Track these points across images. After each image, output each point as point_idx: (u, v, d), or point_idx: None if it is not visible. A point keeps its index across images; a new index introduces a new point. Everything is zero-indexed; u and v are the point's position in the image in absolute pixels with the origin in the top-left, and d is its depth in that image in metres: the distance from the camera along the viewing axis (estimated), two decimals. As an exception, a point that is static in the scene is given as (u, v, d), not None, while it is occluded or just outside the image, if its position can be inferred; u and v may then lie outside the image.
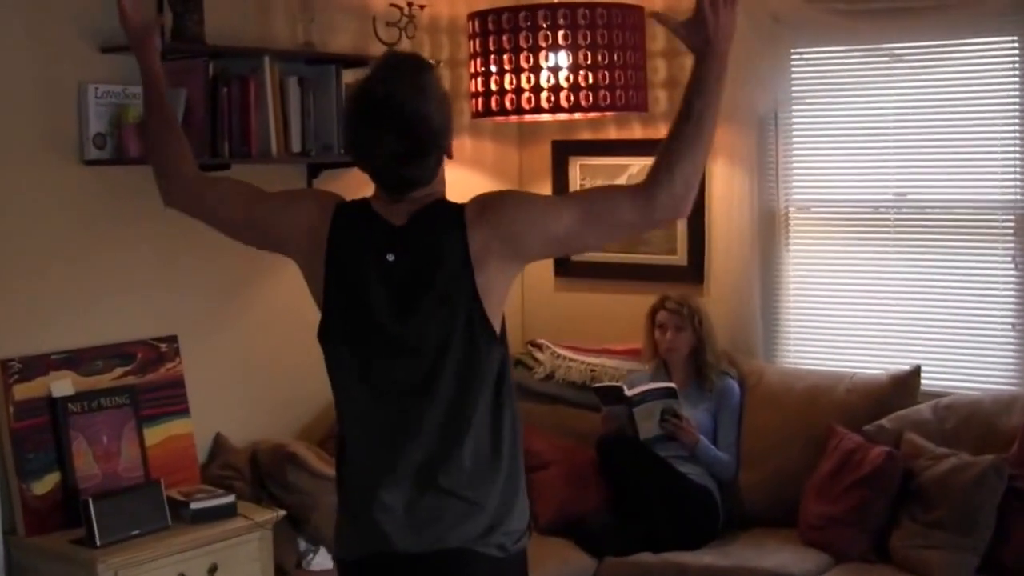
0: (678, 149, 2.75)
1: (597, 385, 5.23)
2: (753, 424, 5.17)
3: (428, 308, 2.79)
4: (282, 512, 4.50)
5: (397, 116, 2.74)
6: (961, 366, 5.11)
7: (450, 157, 2.89)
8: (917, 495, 4.57)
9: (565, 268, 6.00)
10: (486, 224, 2.78)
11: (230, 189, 3.11)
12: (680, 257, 5.69)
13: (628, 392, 4.99)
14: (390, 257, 2.81)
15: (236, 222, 3.03)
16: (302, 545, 4.62)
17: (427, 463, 2.80)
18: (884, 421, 4.84)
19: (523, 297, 6.10)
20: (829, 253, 5.39)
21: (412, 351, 2.80)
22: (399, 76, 2.79)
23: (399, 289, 2.80)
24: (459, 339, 2.77)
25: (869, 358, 5.27)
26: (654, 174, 2.76)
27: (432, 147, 2.79)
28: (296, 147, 4.83)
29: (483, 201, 2.84)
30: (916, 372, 4.99)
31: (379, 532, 2.82)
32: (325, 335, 2.91)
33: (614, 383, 5.17)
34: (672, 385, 5.05)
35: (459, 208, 2.83)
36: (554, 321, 5.98)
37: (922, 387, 4.96)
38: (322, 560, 4.58)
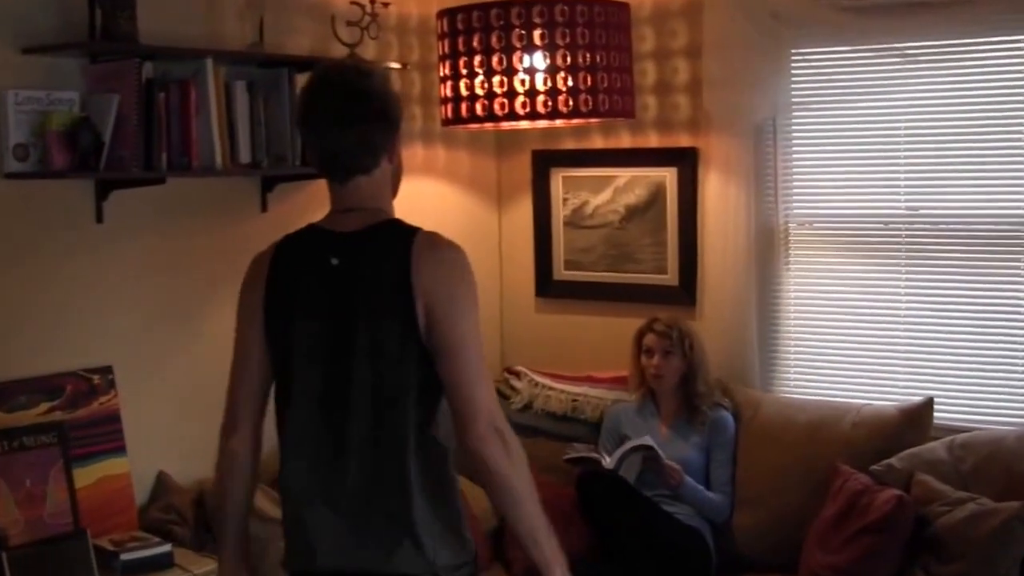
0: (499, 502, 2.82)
1: (571, 457, 4.88)
2: (749, 461, 4.89)
3: (364, 312, 2.81)
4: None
5: (338, 85, 2.87)
6: (979, 399, 4.80)
7: (392, 163, 2.96)
8: (932, 545, 4.24)
9: (547, 288, 5.78)
10: (421, 274, 2.80)
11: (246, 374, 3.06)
12: (671, 276, 5.44)
13: (607, 463, 4.73)
14: (334, 261, 2.86)
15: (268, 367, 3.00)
16: (251, 597, 4.25)
17: (352, 481, 2.84)
18: (894, 460, 4.52)
19: (501, 319, 5.87)
20: (833, 273, 5.10)
21: (343, 354, 2.83)
22: (346, 69, 2.96)
23: (338, 292, 2.84)
24: (390, 349, 2.79)
25: (877, 389, 4.99)
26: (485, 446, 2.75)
27: (371, 117, 2.86)
28: (245, 158, 4.54)
29: (433, 249, 2.85)
30: (929, 405, 4.68)
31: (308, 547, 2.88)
32: (271, 342, 2.95)
33: (590, 455, 4.84)
34: (650, 443, 4.75)
35: (411, 231, 2.87)
36: (534, 346, 5.77)
37: (935, 422, 4.67)
38: (275, 614, 4.23)
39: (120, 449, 4.39)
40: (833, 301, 5.12)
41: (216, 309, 4.63)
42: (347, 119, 2.86)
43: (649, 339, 4.92)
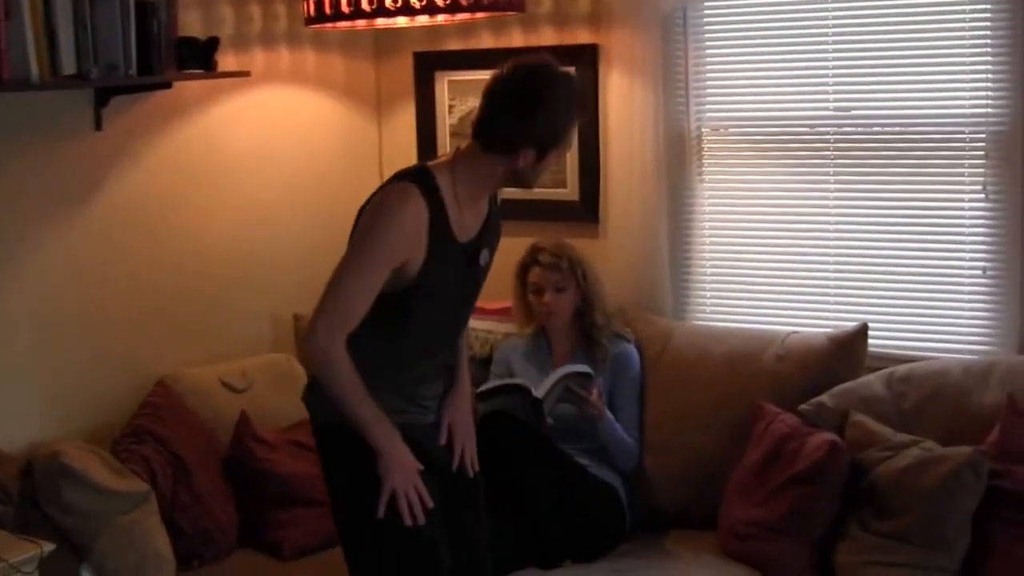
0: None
1: (489, 387, 4.30)
2: (658, 401, 4.49)
3: None
4: (50, 546, 3.71)
5: None
6: (919, 324, 4.45)
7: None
8: (870, 497, 3.84)
9: None
10: None
11: None
12: (570, 191, 5.06)
13: (536, 393, 4.18)
14: None
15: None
16: (87, 581, 3.94)
17: None
18: (825, 398, 4.12)
19: None
20: (753, 184, 4.76)
21: None
22: None
23: None
24: None
25: (804, 316, 4.66)
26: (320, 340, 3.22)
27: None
28: (69, 68, 4.04)
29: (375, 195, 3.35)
30: (863, 332, 4.29)
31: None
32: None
33: (516, 381, 4.29)
34: (588, 370, 4.27)
35: (390, 180, 3.37)
36: None
37: (871, 351, 4.32)
38: (113, 600, 3.90)
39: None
40: (753, 216, 4.78)
41: (48, 242, 4.27)
42: None
43: (536, 275, 4.44)
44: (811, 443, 3.87)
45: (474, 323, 4.64)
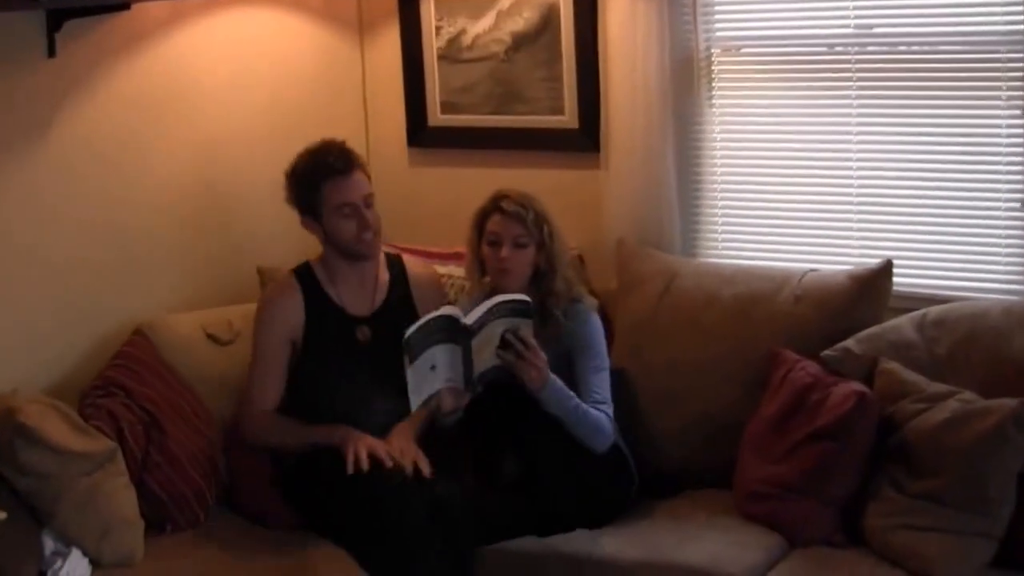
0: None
1: (409, 333, 3.67)
2: (663, 347, 4.23)
3: None
4: (2, 514, 3.53)
5: None
6: (950, 261, 4.21)
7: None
8: (902, 454, 3.57)
9: (420, 136, 5.17)
10: None
11: None
12: (568, 118, 4.83)
13: (466, 320, 3.68)
14: None
15: None
16: (48, 546, 3.69)
17: None
18: (851, 343, 3.84)
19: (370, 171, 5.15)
20: (767, 109, 4.54)
21: None
22: None
23: None
24: None
25: (823, 252, 4.42)
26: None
27: None
28: None
29: None
30: (887, 270, 4.03)
31: None
32: None
33: (444, 312, 3.74)
34: (526, 297, 3.80)
35: None
36: (409, 206, 5.08)
37: (896, 291, 4.08)
38: (76, 567, 3.67)
39: None
40: (768, 144, 4.56)
41: (1, 178, 4.03)
42: None
43: (495, 223, 4.03)
44: (836, 394, 3.62)
45: (453, 270, 4.58)
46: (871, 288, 3.99)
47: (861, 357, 3.77)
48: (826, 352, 3.82)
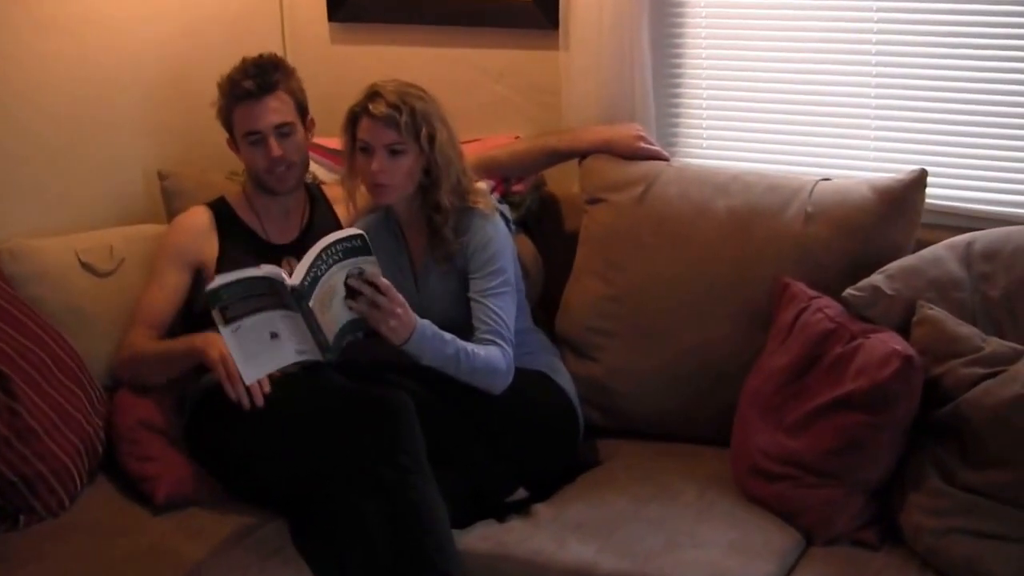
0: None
1: (218, 284, 2.96)
2: (637, 270, 3.59)
3: None
4: None
5: None
6: (990, 172, 3.50)
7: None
8: (954, 433, 2.86)
9: (343, 8, 4.63)
10: None
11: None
12: None
13: (292, 281, 3.00)
14: None
15: None
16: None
17: None
18: (880, 279, 3.13)
19: (285, 51, 4.67)
20: None
21: None
22: None
23: None
24: None
25: (835, 157, 3.75)
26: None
27: None
28: None
29: None
30: (920, 181, 3.33)
31: None
32: None
33: (257, 273, 3.01)
34: (357, 231, 3.16)
35: None
36: (331, 90, 4.34)
37: (929, 205, 3.40)
38: None
39: None
40: (766, 24, 3.90)
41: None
42: None
43: (364, 129, 3.41)
44: (871, 351, 2.90)
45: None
46: (901, 203, 3.32)
47: (895, 299, 3.08)
48: (850, 291, 3.14)
